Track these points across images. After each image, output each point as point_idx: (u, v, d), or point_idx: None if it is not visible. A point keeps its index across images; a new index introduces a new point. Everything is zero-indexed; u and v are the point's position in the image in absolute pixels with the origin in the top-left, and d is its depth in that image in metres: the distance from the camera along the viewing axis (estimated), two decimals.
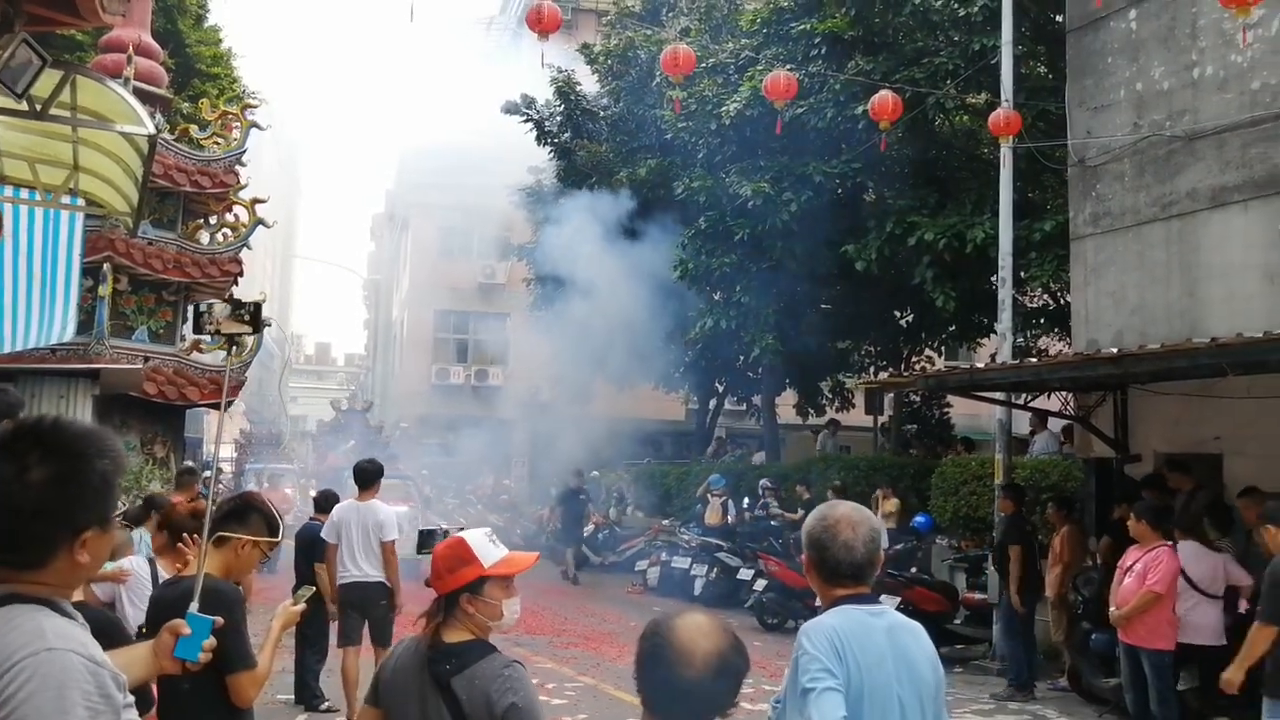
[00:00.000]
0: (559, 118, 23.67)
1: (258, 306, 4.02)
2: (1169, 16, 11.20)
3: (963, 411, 21.76)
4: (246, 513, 4.02)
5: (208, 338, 13.04)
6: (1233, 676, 6.49)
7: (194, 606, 3.30)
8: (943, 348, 21.58)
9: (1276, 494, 9.67)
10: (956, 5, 15.15)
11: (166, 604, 3.68)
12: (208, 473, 23.37)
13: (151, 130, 5.94)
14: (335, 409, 27.11)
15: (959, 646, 12.70)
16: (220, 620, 3.02)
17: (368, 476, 9.16)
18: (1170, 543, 8.36)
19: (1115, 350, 9.69)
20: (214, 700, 3.66)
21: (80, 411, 10.22)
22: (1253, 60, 10.26)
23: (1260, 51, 10.17)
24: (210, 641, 2.94)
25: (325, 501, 9.90)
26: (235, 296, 13.49)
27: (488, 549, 3.23)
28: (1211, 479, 10.34)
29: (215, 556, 3.91)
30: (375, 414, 32.71)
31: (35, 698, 1.80)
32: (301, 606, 4.12)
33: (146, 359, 12.37)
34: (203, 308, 3.93)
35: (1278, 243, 10.02)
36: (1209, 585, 8.25)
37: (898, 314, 20.02)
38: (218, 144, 13.56)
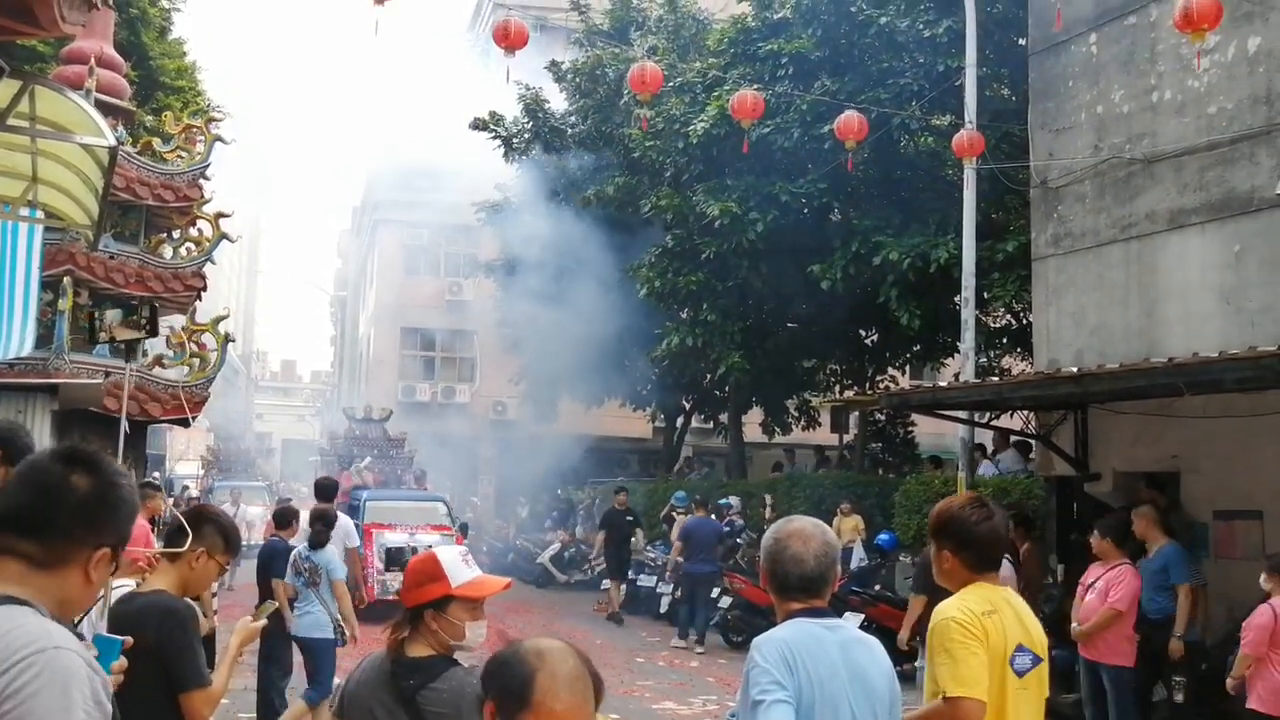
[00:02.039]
0: (527, 135, 23.69)
1: (153, 309, 4.01)
2: (1128, 41, 11.37)
3: (927, 430, 21.88)
4: (200, 524, 3.94)
5: (170, 353, 12.93)
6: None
7: (102, 626, 3.26)
8: (907, 366, 21.70)
9: (1229, 511, 9.86)
10: (921, 27, 15.31)
11: (123, 620, 3.64)
12: (173, 494, 23.11)
13: (112, 142, 5.90)
14: (349, 417, 22.68)
15: (920, 665, 12.74)
16: (129, 640, 2.92)
17: (328, 492, 10.87)
18: (1131, 560, 8.46)
19: (1075, 370, 9.79)
20: (165, 718, 3.59)
21: (39, 427, 10.09)
22: (1209, 85, 10.43)
23: (1216, 77, 10.34)
24: (120, 663, 2.84)
25: (284, 517, 9.81)
26: (195, 310, 13.31)
27: (459, 568, 3.21)
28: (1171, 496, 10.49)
29: (170, 572, 3.87)
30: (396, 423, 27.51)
31: (42, 694, 1.85)
32: (261, 623, 4.08)
33: (107, 374, 12.23)
34: (98, 315, 3.93)
35: (1233, 264, 10.17)
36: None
37: (863, 333, 20.12)
38: (181, 157, 13.46)
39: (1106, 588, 8.27)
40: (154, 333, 3.81)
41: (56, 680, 1.86)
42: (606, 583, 18.78)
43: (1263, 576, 7.40)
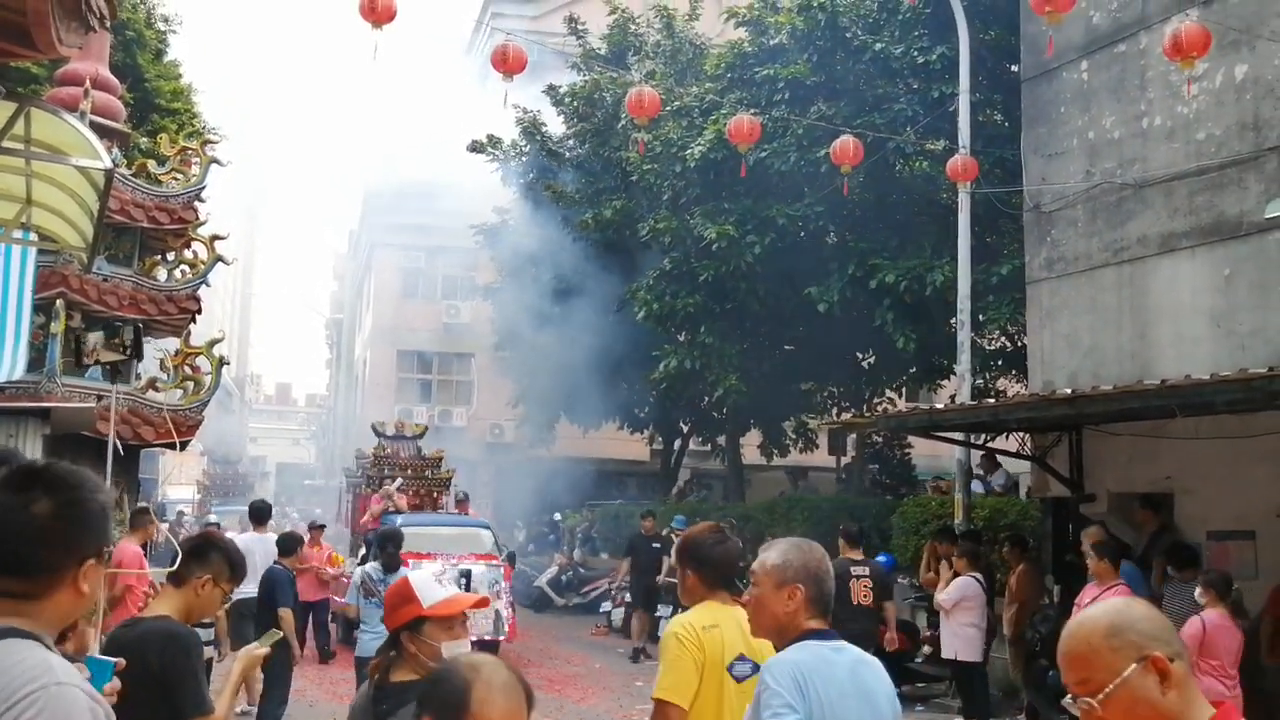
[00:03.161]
0: (525, 158, 23.79)
1: (137, 332, 4.00)
2: (1119, 68, 11.46)
3: (923, 452, 21.91)
4: (207, 551, 3.92)
5: (164, 376, 12.92)
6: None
7: (94, 649, 3.25)
8: (903, 389, 21.73)
9: (1222, 531, 9.88)
10: (916, 53, 15.43)
11: (125, 645, 3.63)
12: (167, 519, 23.00)
13: (108, 165, 5.93)
14: (378, 433, 19.43)
15: (920, 685, 12.72)
16: (122, 662, 2.90)
17: (262, 514, 12.24)
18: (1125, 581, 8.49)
19: (1070, 391, 9.81)
20: None
21: (30, 451, 10.07)
22: (1198, 112, 10.50)
23: (1205, 103, 10.42)
24: (112, 685, 2.81)
25: (288, 544, 9.82)
26: (189, 333, 13.29)
27: (430, 589, 3.26)
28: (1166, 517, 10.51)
29: (174, 597, 3.85)
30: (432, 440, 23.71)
31: None
32: (265, 651, 4.06)
33: (99, 397, 12.21)
34: (82, 338, 3.92)
35: (1223, 288, 10.22)
36: None
37: (859, 355, 20.17)
38: (176, 179, 13.47)
39: None
40: (137, 355, 3.83)
41: (59, 716, 1.87)
42: (607, 605, 18.70)
43: (1198, 590, 7.61)
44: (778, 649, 3.14)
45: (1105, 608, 2.19)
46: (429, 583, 3.27)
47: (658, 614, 15.99)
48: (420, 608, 3.21)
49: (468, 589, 11.62)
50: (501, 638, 13.98)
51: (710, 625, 3.70)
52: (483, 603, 3.73)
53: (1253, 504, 9.67)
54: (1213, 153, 10.41)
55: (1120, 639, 2.07)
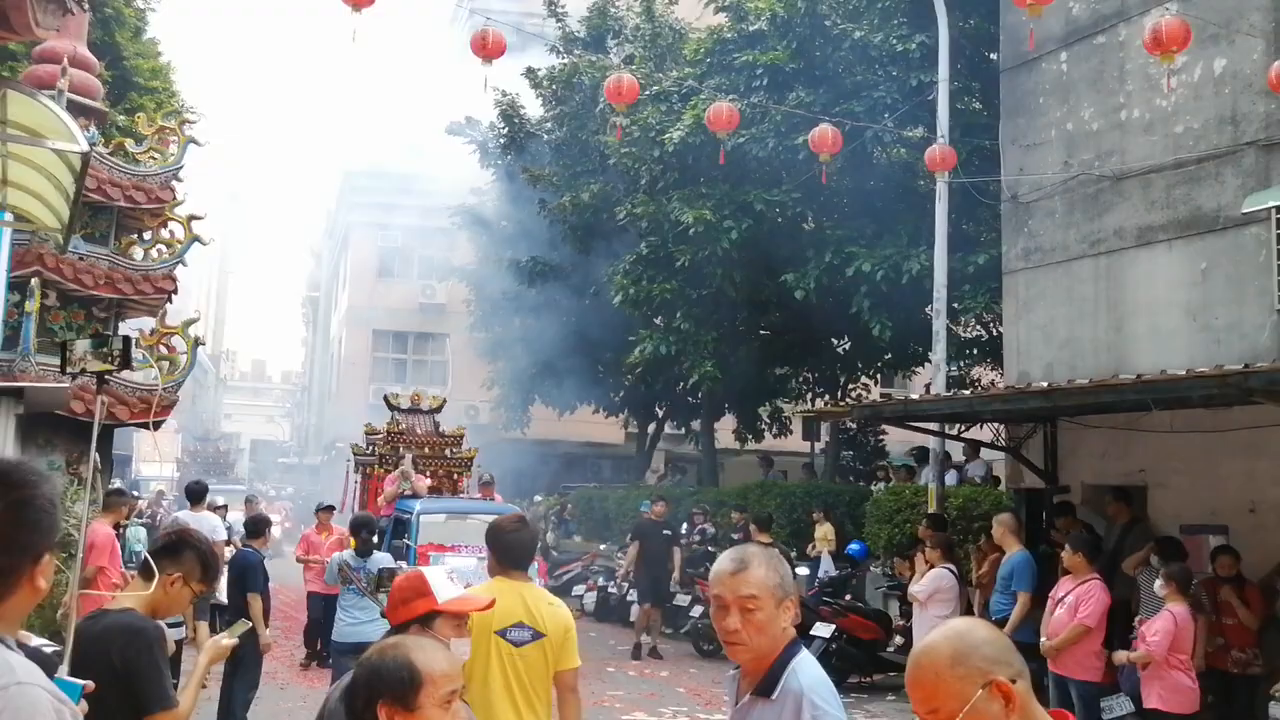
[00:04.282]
0: (503, 140, 23.70)
1: (127, 342, 3.96)
2: (1098, 60, 11.50)
3: (897, 438, 21.99)
4: (181, 549, 3.86)
5: (139, 356, 12.81)
6: None
7: (63, 670, 3.22)
8: (879, 375, 21.82)
9: (1195, 525, 9.97)
10: (895, 42, 15.44)
11: (89, 639, 3.60)
12: (143, 495, 22.79)
13: (84, 147, 5.87)
14: (391, 406, 17.47)
15: (892, 674, 12.81)
16: (90, 685, 2.88)
17: (198, 494, 12.13)
18: (1101, 576, 8.57)
19: (1045, 384, 9.88)
20: None
21: (3, 431, 9.99)
22: (1176, 105, 10.56)
23: (1183, 97, 10.47)
24: (80, 707, 2.79)
25: (256, 527, 9.77)
26: (165, 312, 13.18)
27: (444, 585, 3.31)
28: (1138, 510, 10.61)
29: (142, 591, 3.82)
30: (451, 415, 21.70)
31: None
32: (233, 642, 4.04)
33: (74, 376, 12.10)
34: (69, 345, 3.86)
35: (1199, 281, 10.30)
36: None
37: (835, 342, 20.23)
38: (154, 159, 13.34)
39: (1076, 603, 8.37)
40: (126, 365, 3.79)
41: (22, 716, 1.86)
42: (580, 588, 18.60)
43: (1158, 584, 7.73)
44: (764, 663, 2.98)
45: (948, 633, 2.19)
46: (443, 579, 3.33)
47: (686, 610, 15.10)
48: (435, 602, 3.25)
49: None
50: None
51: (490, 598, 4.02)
52: (491, 605, 3.75)
53: (1225, 498, 9.77)
54: (1190, 146, 10.47)
55: (965, 666, 2.09)
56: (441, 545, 12.29)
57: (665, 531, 15.39)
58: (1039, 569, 10.71)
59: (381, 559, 9.27)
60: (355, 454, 16.97)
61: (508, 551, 4.51)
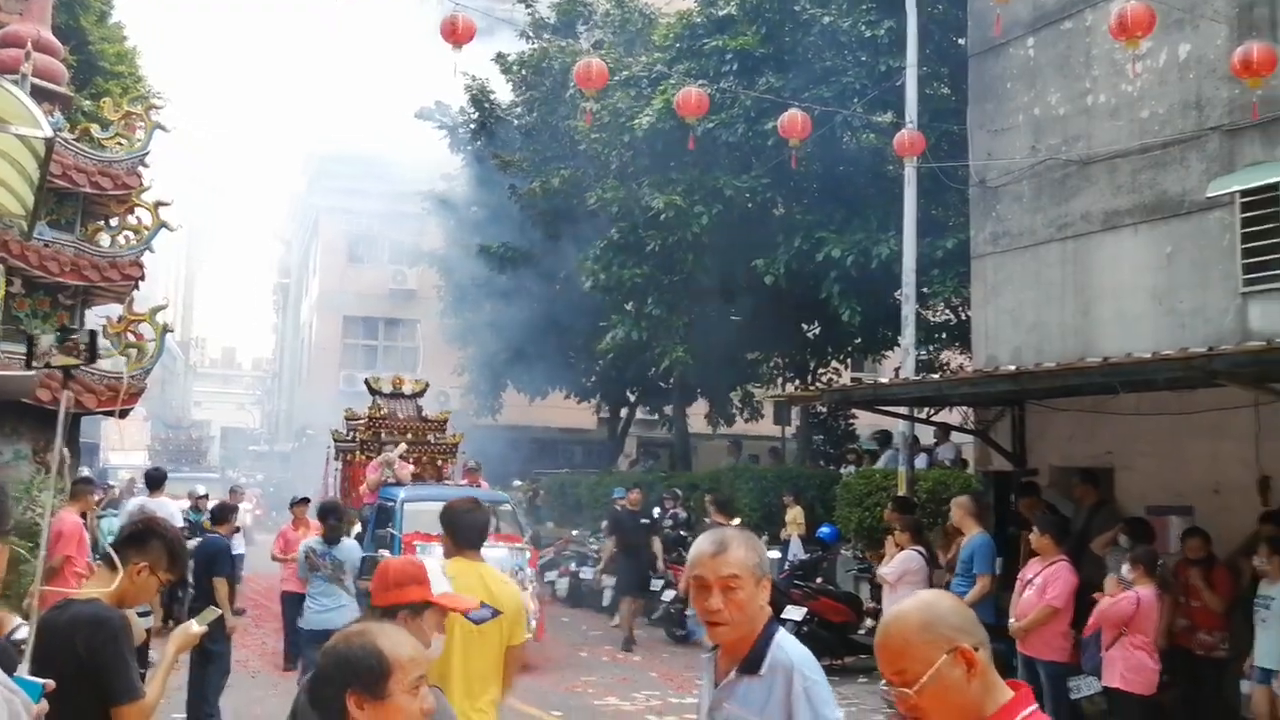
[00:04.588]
0: (473, 125, 23.60)
1: (93, 336, 3.92)
2: (1065, 45, 11.57)
3: (868, 422, 22.10)
4: (147, 539, 3.82)
5: (106, 343, 12.70)
6: None
7: (23, 669, 3.18)
8: (849, 360, 21.93)
9: (1161, 506, 10.09)
10: (863, 27, 15.49)
11: (54, 630, 3.57)
12: (114, 485, 22.58)
13: (48, 133, 5.80)
14: (373, 391, 16.68)
15: (863, 656, 12.91)
16: (50, 684, 2.85)
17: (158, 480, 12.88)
18: (1069, 557, 8.67)
19: (1013, 367, 9.96)
20: None
21: None
22: (1142, 90, 10.64)
23: (1148, 82, 10.55)
24: (41, 707, 2.75)
25: (222, 513, 9.75)
26: (132, 299, 13.04)
27: (439, 579, 3.40)
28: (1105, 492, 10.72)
29: (108, 581, 3.76)
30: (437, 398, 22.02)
31: None
32: (202, 630, 4.01)
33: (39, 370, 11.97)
34: (38, 341, 3.82)
35: (1165, 266, 10.40)
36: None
37: (805, 327, 20.31)
38: (120, 144, 13.18)
39: (1044, 584, 8.47)
40: (93, 359, 3.77)
41: None
42: (552, 574, 18.59)
43: (1125, 567, 7.83)
44: (746, 641, 3.03)
45: (917, 602, 2.34)
46: (438, 572, 3.42)
47: (659, 595, 14.81)
48: (430, 592, 3.28)
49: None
50: (528, 635, 12.36)
51: (450, 576, 4.09)
52: (471, 605, 3.88)
53: (1191, 479, 9.88)
54: (1156, 131, 10.56)
55: (932, 633, 2.23)
56: (428, 535, 11.65)
57: (643, 520, 15.20)
58: (1007, 551, 10.85)
59: (350, 546, 9.26)
60: (335, 440, 16.52)
61: (463, 532, 4.71)
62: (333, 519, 9.30)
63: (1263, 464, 9.27)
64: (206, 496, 15.17)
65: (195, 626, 3.95)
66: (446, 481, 15.53)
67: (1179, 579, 8.92)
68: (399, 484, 13.79)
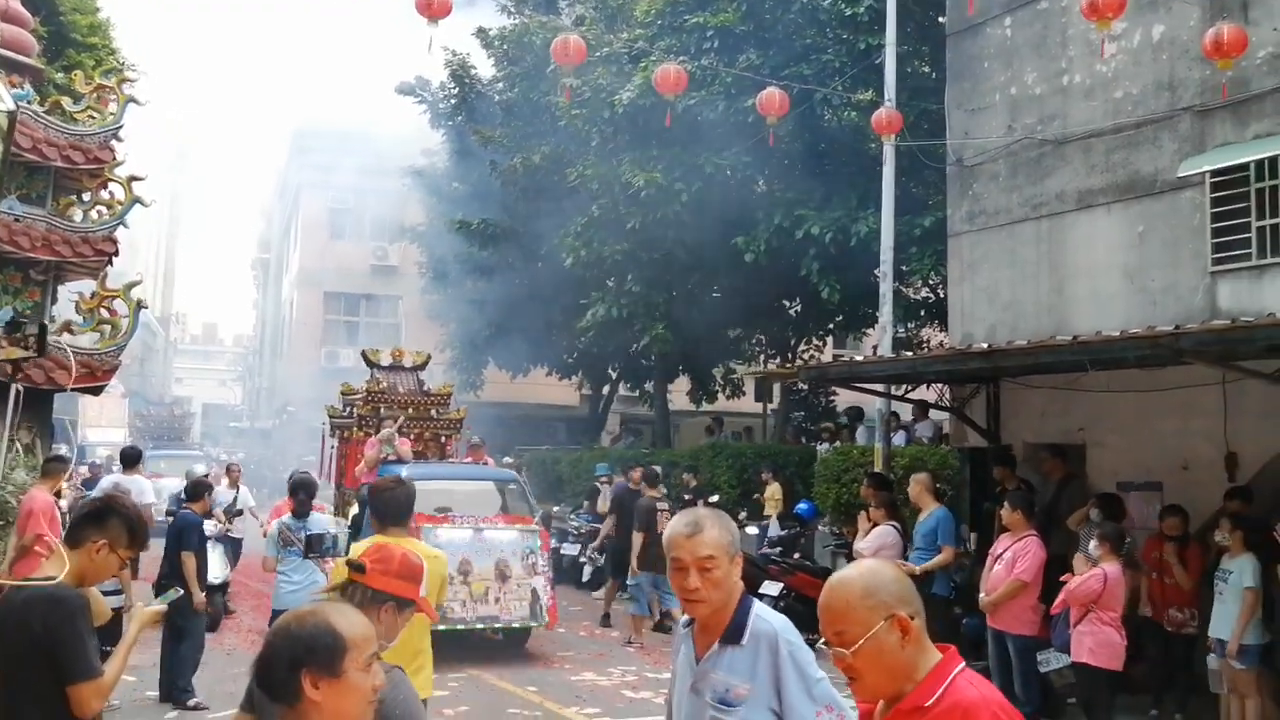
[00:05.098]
0: (453, 101, 23.48)
1: (42, 328, 3.91)
2: (1041, 25, 11.59)
3: (848, 399, 22.19)
4: (106, 516, 3.81)
5: (79, 319, 12.64)
6: None
7: None
8: (830, 337, 21.98)
9: (1131, 482, 10.19)
10: (843, 5, 15.47)
11: (11, 610, 3.57)
12: (87, 464, 22.49)
13: (10, 106, 5.78)
14: (370, 363, 15.59)
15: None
16: None
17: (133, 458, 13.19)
18: (1038, 532, 8.75)
19: (986, 345, 10.02)
20: (51, 710, 3.51)
21: None
22: (1115, 70, 10.68)
23: (1122, 62, 10.59)
24: None
25: (196, 490, 9.75)
26: (106, 275, 12.95)
27: (422, 583, 3.50)
28: (1077, 468, 10.81)
29: (67, 560, 3.76)
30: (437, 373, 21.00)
31: None
32: (162, 608, 4.02)
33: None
34: None
35: (1137, 244, 10.47)
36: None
37: (786, 304, 20.33)
38: (92, 118, 13.07)
39: (1013, 559, 8.56)
40: (41, 352, 3.77)
41: None
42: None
43: (1093, 544, 7.92)
44: (723, 614, 3.14)
45: (861, 570, 2.50)
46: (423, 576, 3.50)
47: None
48: (418, 593, 3.39)
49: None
50: (540, 624, 11.47)
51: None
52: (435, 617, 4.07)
53: (1160, 456, 9.99)
54: (1130, 111, 10.61)
55: (873, 599, 2.37)
56: (433, 516, 11.20)
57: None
58: (983, 527, 10.95)
59: (319, 520, 9.23)
60: (331, 416, 15.75)
61: (387, 509, 4.93)
62: (302, 494, 9.30)
63: (1230, 441, 9.37)
64: (207, 476, 14.46)
65: (158, 605, 3.96)
66: (450, 459, 14.91)
67: (1152, 555, 9.03)
68: (400, 462, 13.08)
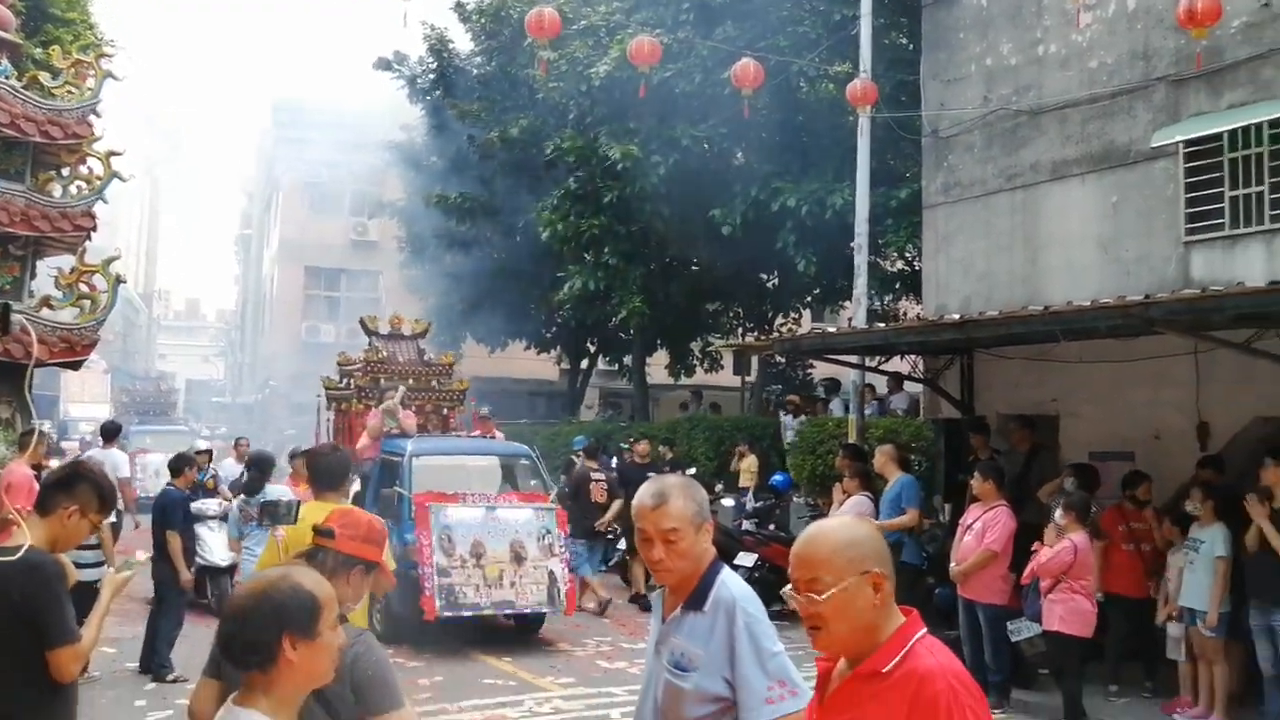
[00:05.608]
0: (431, 75, 23.38)
1: (6, 309, 3.95)
2: None
3: (825, 372, 22.31)
4: (75, 482, 3.88)
5: (58, 294, 12.61)
6: None
7: None
8: (807, 310, 22.04)
9: (1103, 452, 10.29)
10: None
11: None
12: (71, 439, 22.40)
13: None
14: (369, 332, 14.81)
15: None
16: None
17: (112, 432, 13.01)
18: (1008, 502, 8.84)
19: (959, 316, 10.09)
20: (32, 675, 3.58)
21: None
22: (1091, 40, 10.73)
23: (1097, 32, 10.64)
24: None
25: (178, 465, 9.77)
26: (85, 250, 12.93)
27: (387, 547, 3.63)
28: (1050, 439, 10.91)
29: (40, 527, 3.80)
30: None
31: None
32: (127, 574, 4.07)
33: None
34: None
35: (1111, 215, 10.55)
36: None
37: (764, 277, 20.37)
38: (70, 93, 13.01)
39: (983, 529, 8.65)
40: (5, 331, 3.81)
41: None
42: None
43: (1058, 513, 8.02)
44: (690, 581, 3.13)
45: (843, 523, 2.56)
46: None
47: (614, 545, 14.19)
48: (380, 556, 3.49)
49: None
50: (558, 610, 10.77)
51: (303, 517, 4.54)
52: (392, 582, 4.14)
53: (1132, 426, 10.09)
54: (1105, 81, 10.67)
55: (854, 551, 2.41)
56: (442, 494, 10.62)
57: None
58: (957, 497, 11.04)
59: (277, 489, 9.24)
60: (327, 388, 14.97)
61: (324, 474, 5.15)
62: (255, 470, 9.41)
63: (1201, 410, 9.47)
64: (209, 453, 13.95)
65: (123, 573, 4.03)
66: (456, 432, 14.17)
67: (1117, 526, 9.09)
68: (403, 434, 12.29)
